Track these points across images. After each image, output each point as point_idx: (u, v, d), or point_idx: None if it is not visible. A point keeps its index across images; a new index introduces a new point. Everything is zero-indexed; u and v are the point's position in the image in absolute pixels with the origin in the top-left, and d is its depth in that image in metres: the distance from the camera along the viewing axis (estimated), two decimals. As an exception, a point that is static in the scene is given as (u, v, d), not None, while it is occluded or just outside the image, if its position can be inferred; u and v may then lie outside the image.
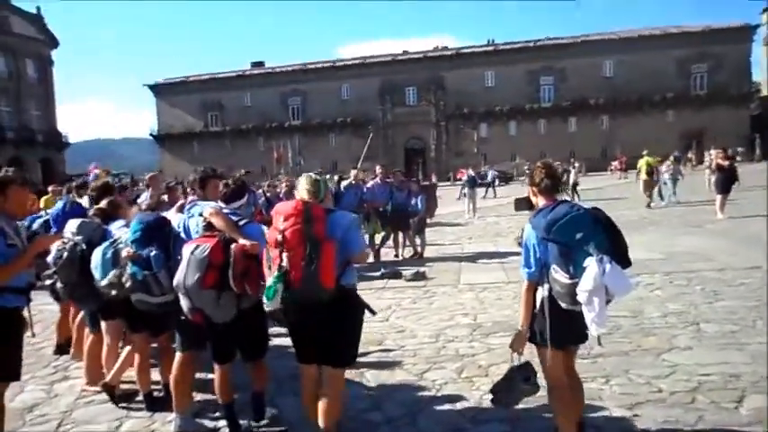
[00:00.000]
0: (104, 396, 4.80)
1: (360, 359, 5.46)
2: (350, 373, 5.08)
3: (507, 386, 3.51)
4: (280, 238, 3.33)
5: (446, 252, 12.17)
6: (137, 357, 4.68)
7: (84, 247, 4.55)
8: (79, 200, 5.74)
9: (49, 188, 12.24)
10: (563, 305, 3.21)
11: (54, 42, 55.28)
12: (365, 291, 8.63)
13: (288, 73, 66.52)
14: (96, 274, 4.38)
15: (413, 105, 63.04)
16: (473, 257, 11.23)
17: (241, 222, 3.93)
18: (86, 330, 5.22)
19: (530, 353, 3.49)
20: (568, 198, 3.58)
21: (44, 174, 47.51)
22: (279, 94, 65.53)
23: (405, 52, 66.90)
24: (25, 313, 3.93)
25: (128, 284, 4.08)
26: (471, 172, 22.53)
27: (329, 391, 3.53)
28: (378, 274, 9.85)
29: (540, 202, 3.47)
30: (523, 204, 4.45)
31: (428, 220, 11.98)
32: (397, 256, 11.68)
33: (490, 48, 63.26)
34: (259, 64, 71.49)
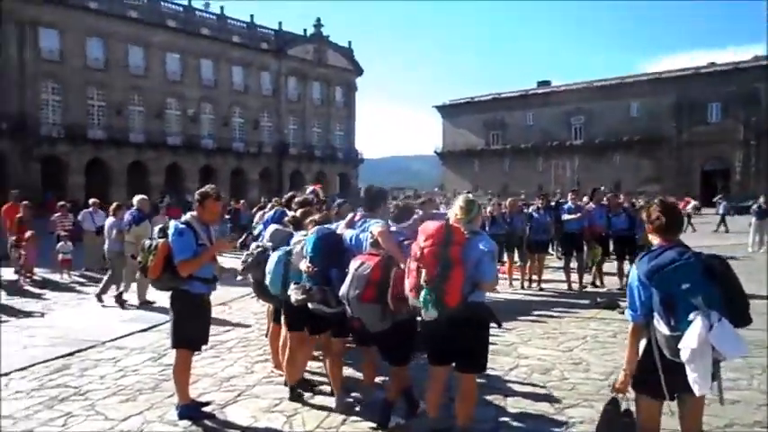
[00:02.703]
0: (282, 378, 5.56)
1: (513, 386, 5.42)
2: (494, 396, 5.08)
3: (608, 425, 3.32)
4: (418, 254, 3.65)
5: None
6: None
7: (271, 251, 5.20)
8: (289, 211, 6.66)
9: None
10: (667, 354, 2.93)
11: (359, 71, 62.88)
12: (570, 320, 8.28)
13: (572, 91, 64.75)
14: (267, 278, 5.00)
15: (715, 123, 55.99)
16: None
17: (406, 242, 4.19)
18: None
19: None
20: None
21: (341, 186, 54.39)
22: (562, 112, 64.28)
23: (711, 64, 59.76)
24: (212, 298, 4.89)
25: (316, 297, 4.48)
26: (762, 201, 19.46)
27: (462, 393, 3.91)
28: (592, 302, 9.33)
29: (654, 240, 3.17)
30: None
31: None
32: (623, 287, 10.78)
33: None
34: (545, 83, 71.19)
